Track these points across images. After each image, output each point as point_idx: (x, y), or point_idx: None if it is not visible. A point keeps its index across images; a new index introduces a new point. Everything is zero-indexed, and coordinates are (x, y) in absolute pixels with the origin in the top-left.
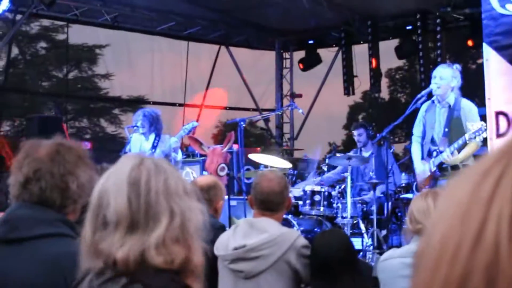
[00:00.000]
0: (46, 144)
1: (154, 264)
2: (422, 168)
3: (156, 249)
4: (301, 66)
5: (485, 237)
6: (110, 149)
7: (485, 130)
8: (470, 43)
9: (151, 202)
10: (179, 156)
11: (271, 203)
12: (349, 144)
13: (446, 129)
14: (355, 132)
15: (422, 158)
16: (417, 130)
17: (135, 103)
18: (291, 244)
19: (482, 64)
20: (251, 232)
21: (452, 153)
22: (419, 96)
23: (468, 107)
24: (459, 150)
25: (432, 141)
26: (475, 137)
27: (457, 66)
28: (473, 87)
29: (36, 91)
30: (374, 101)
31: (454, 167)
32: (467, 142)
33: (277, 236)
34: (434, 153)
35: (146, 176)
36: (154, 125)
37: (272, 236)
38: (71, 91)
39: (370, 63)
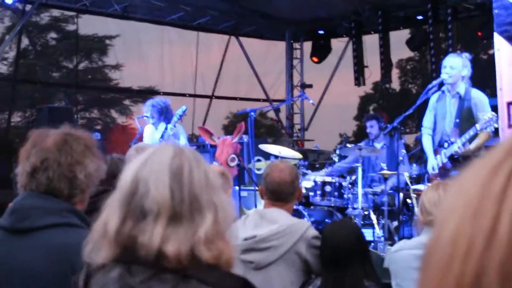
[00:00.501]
0: (53, 134)
1: (205, 259)
2: (435, 162)
3: (205, 244)
4: (315, 60)
5: (498, 233)
6: (121, 139)
7: (496, 120)
8: (480, 34)
9: (194, 194)
10: (182, 142)
11: (282, 193)
12: (360, 135)
13: (457, 120)
14: (367, 124)
15: (434, 150)
16: (427, 121)
17: (145, 94)
18: (301, 235)
19: (493, 55)
20: (262, 223)
21: (463, 144)
22: (429, 86)
23: (479, 97)
24: (470, 141)
25: (443, 132)
26: (486, 128)
27: (466, 55)
28: (485, 77)
29: (46, 82)
30: (385, 91)
31: (466, 158)
32: (478, 132)
33: (287, 227)
34: (446, 144)
35: (188, 166)
36: (164, 115)
37: (282, 226)
38: (82, 82)
39: (381, 53)
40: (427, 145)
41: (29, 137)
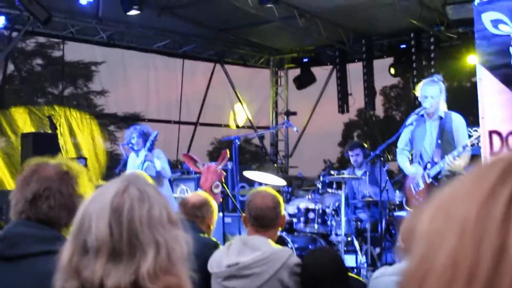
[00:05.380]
0: (54, 164)
1: None
2: (414, 169)
3: (150, 279)
4: (296, 85)
5: (508, 253)
6: (106, 165)
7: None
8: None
9: (134, 231)
10: (158, 165)
11: (265, 219)
12: (344, 161)
13: (439, 141)
14: (351, 153)
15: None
16: (402, 143)
17: (130, 120)
18: (284, 262)
19: (474, 83)
20: (245, 250)
21: (454, 158)
22: (412, 114)
23: (459, 121)
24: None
25: (421, 154)
26: (477, 144)
27: (438, 77)
28: (469, 105)
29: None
30: (369, 118)
31: (450, 176)
32: (466, 149)
33: (270, 254)
34: (428, 165)
35: (129, 204)
36: (145, 141)
37: (265, 254)
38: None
39: (365, 81)
40: (403, 162)
41: (26, 166)
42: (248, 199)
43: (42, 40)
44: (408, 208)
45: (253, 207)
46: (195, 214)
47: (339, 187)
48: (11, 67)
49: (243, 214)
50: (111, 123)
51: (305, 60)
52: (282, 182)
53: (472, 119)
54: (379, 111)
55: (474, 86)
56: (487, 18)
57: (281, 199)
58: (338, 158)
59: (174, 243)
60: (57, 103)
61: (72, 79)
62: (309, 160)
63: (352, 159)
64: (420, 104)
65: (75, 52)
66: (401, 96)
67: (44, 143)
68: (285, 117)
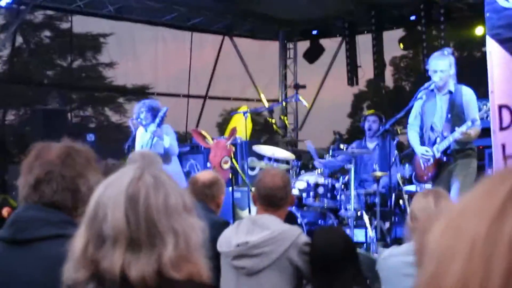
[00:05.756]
0: (56, 147)
1: (175, 279)
2: (424, 149)
3: (173, 268)
4: (306, 59)
5: None
6: (115, 138)
7: None
8: (479, 32)
9: (152, 220)
10: (166, 142)
11: (274, 198)
12: (354, 132)
13: (449, 115)
14: (369, 118)
15: (422, 145)
16: (413, 120)
17: (139, 93)
18: (293, 242)
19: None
20: (254, 229)
21: (463, 132)
22: (422, 88)
23: (469, 95)
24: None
25: (432, 128)
26: (487, 117)
27: (448, 51)
28: (479, 75)
29: (40, 81)
30: (379, 89)
31: (460, 150)
32: (475, 123)
33: (279, 234)
34: (438, 139)
35: (145, 192)
36: (154, 115)
37: (274, 233)
38: (76, 80)
39: (374, 53)
40: (414, 138)
41: (30, 150)
42: (257, 179)
43: (50, 12)
44: (417, 183)
45: (262, 186)
46: (205, 193)
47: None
48: (19, 40)
49: (252, 193)
50: (120, 95)
51: (314, 32)
52: (291, 156)
53: (483, 90)
54: (389, 81)
55: (484, 56)
56: None
57: (289, 178)
58: (347, 129)
59: (190, 231)
60: (66, 75)
61: (81, 51)
62: (318, 132)
63: (367, 125)
64: (429, 77)
65: (83, 24)
66: (410, 67)
67: (53, 119)
68: (294, 90)
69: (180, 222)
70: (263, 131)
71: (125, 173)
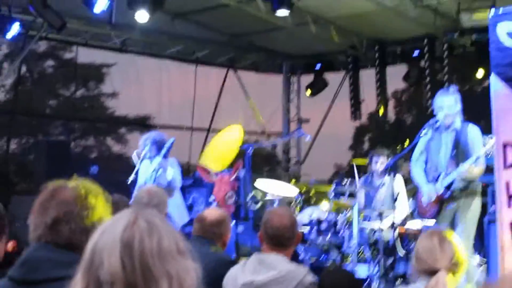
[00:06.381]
0: (72, 187)
1: None
2: (430, 188)
3: None
4: (309, 92)
5: None
6: (116, 168)
7: None
8: (480, 73)
9: (146, 264)
10: (169, 175)
11: (282, 238)
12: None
13: (454, 152)
14: (377, 158)
15: (427, 181)
16: (418, 156)
17: (142, 123)
18: (299, 281)
19: (486, 88)
20: (260, 268)
21: (467, 168)
22: (427, 125)
23: (475, 133)
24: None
25: (436, 165)
26: (492, 153)
27: (453, 89)
28: (480, 110)
29: (43, 111)
30: (380, 122)
31: (464, 190)
32: (479, 160)
33: (286, 273)
34: (442, 175)
35: (139, 237)
36: (160, 149)
37: (280, 273)
38: (78, 110)
39: (377, 88)
40: (418, 175)
41: (43, 189)
42: (264, 218)
43: (54, 42)
44: (419, 218)
45: (270, 226)
46: (212, 231)
47: (351, 195)
48: (23, 69)
49: (260, 232)
50: (122, 125)
51: (318, 65)
52: (294, 191)
53: (483, 124)
54: (390, 114)
55: (485, 91)
56: (502, 29)
57: (296, 218)
58: (348, 162)
59: (185, 274)
60: (69, 105)
61: (84, 81)
62: (319, 165)
63: (375, 166)
64: (432, 112)
65: (86, 54)
66: (412, 100)
67: (56, 150)
68: (297, 124)
69: (174, 266)
70: (265, 163)
71: (119, 219)
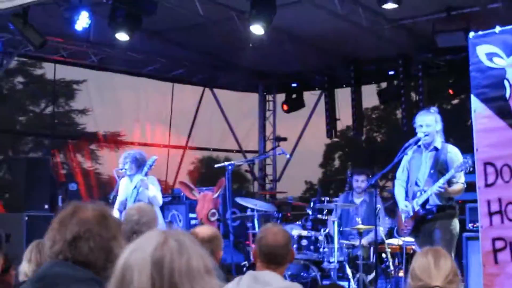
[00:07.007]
0: (92, 207)
1: None
2: (407, 205)
3: None
4: (285, 108)
5: None
6: (87, 184)
7: (472, 164)
8: (452, 92)
9: (174, 284)
10: (151, 192)
11: (276, 255)
12: (325, 182)
13: (432, 171)
14: (357, 177)
15: (406, 199)
16: (400, 175)
17: (115, 141)
18: None
19: (457, 105)
20: (255, 286)
21: (442, 186)
22: (406, 144)
23: (454, 152)
24: (449, 184)
25: (416, 183)
26: (461, 170)
27: (434, 109)
28: (449, 127)
29: (13, 127)
30: (351, 140)
31: (440, 209)
32: (455, 175)
33: None
34: (418, 194)
35: (169, 256)
36: (140, 166)
37: None
38: (48, 127)
39: (353, 106)
40: (399, 193)
41: (63, 207)
42: (259, 236)
43: (24, 59)
44: (398, 236)
45: (264, 244)
46: (205, 248)
47: (330, 213)
48: None
49: (253, 249)
50: (93, 142)
51: (294, 84)
52: (272, 208)
53: (452, 140)
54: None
55: (455, 108)
56: (482, 51)
57: (289, 235)
58: (319, 179)
59: None
60: (38, 121)
61: (54, 98)
62: (291, 181)
63: (355, 184)
64: (404, 130)
65: (63, 71)
66: (382, 118)
67: (36, 167)
68: (274, 142)
69: (201, 285)
70: (234, 181)
71: (150, 238)
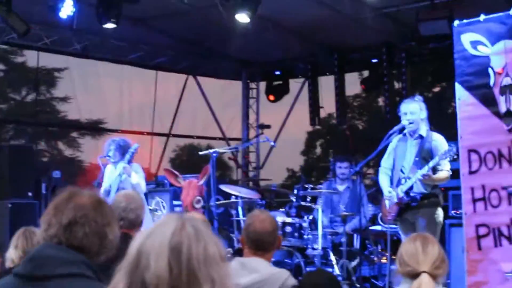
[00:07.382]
0: (88, 194)
1: None
2: (391, 192)
3: None
4: (271, 98)
5: None
6: (68, 172)
7: (457, 150)
8: (434, 80)
9: (192, 269)
10: (134, 180)
11: (263, 242)
12: (307, 170)
13: (417, 158)
14: (340, 164)
15: (391, 186)
16: (385, 162)
17: (98, 128)
18: (282, 284)
19: (438, 93)
20: (243, 272)
21: (426, 174)
22: (391, 132)
23: (439, 140)
24: (433, 172)
25: (401, 170)
26: (446, 158)
27: (420, 98)
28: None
29: None
30: (333, 128)
31: (424, 197)
32: (439, 162)
33: (268, 276)
34: (403, 181)
35: (187, 242)
36: (124, 154)
37: (263, 276)
38: (30, 114)
39: (336, 94)
40: (384, 181)
41: (60, 193)
42: (246, 222)
43: (4, 46)
44: (382, 223)
45: (252, 231)
46: None
47: (313, 200)
48: None
49: (241, 236)
50: (74, 130)
51: (277, 72)
52: (256, 196)
53: (433, 128)
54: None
55: (436, 96)
56: (466, 39)
57: (277, 222)
58: (300, 166)
59: (226, 279)
60: (19, 109)
61: (36, 85)
62: (273, 168)
63: (339, 171)
64: (386, 117)
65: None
66: (364, 106)
67: (20, 155)
68: (258, 130)
69: (217, 271)
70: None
71: (166, 223)
